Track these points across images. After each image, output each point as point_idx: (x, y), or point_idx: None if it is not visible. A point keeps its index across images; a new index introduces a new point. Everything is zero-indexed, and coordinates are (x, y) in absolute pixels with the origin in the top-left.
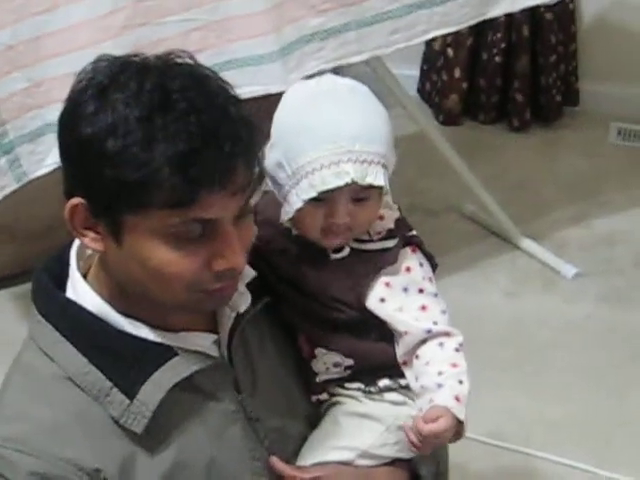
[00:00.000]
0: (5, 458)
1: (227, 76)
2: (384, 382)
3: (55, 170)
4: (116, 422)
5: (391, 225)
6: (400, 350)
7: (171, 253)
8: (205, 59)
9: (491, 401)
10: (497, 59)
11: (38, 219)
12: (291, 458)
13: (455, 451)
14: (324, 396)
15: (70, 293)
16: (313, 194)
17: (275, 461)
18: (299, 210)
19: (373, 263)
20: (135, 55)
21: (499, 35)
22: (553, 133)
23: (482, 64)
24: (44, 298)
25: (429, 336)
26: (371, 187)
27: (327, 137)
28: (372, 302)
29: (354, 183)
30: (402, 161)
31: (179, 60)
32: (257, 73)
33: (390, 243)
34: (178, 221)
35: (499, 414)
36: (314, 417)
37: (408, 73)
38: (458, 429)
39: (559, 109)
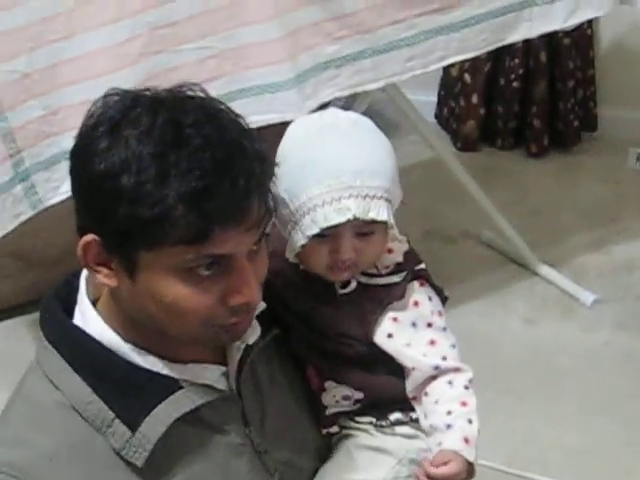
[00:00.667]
0: None
1: (243, 104)
2: (395, 416)
3: (70, 198)
4: (117, 454)
5: (400, 259)
6: (409, 385)
7: (186, 289)
8: (220, 87)
9: (508, 427)
10: (515, 85)
11: (54, 246)
12: None
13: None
14: (334, 429)
15: (78, 320)
16: (316, 230)
17: None
18: (303, 246)
19: (380, 298)
20: (146, 89)
21: (517, 61)
22: (571, 159)
23: (500, 90)
24: (52, 325)
25: (438, 372)
26: (375, 222)
27: (329, 173)
28: (380, 338)
29: (356, 219)
30: (419, 187)
31: (191, 93)
32: (273, 101)
33: (397, 277)
34: (192, 257)
35: (516, 440)
36: (325, 450)
37: (425, 99)
38: (469, 469)
39: (577, 135)
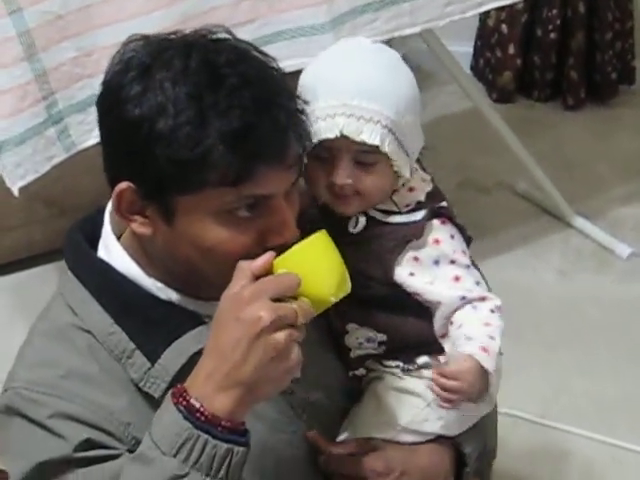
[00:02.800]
0: (32, 400)
1: (277, 47)
2: (423, 359)
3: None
4: (135, 385)
5: (421, 197)
6: (437, 322)
7: (225, 231)
8: (255, 30)
9: (542, 379)
10: (552, 36)
11: (86, 192)
12: (331, 432)
13: (502, 429)
14: (361, 371)
15: (102, 253)
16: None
17: (312, 434)
18: (307, 166)
19: (399, 237)
20: (172, 33)
21: (554, 11)
22: (608, 111)
23: (537, 41)
24: (75, 255)
25: (464, 302)
26: (374, 151)
27: (331, 90)
28: (401, 277)
29: (346, 138)
30: (453, 138)
31: (217, 35)
32: (308, 44)
33: (417, 216)
34: (233, 199)
35: (549, 392)
36: (353, 391)
37: (461, 50)
38: (483, 379)
39: (614, 87)
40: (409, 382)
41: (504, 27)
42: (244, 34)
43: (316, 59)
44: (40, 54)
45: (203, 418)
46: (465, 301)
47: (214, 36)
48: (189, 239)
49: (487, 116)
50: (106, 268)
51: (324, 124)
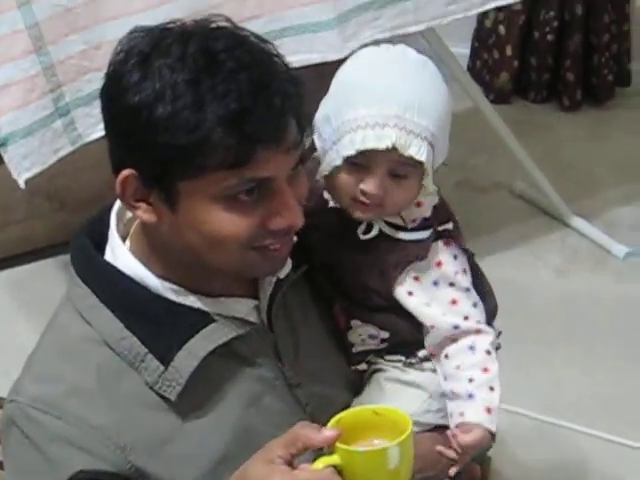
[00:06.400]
0: (32, 419)
1: (284, 43)
2: (424, 352)
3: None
4: (151, 388)
5: (427, 213)
6: (428, 341)
7: (228, 215)
8: (262, 25)
9: (541, 376)
10: (549, 38)
11: (88, 187)
12: None
13: (501, 425)
14: (362, 366)
15: (109, 256)
16: (352, 152)
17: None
18: (337, 169)
19: (403, 255)
20: (172, 22)
21: (552, 13)
22: (604, 113)
23: (534, 42)
24: (83, 261)
25: (457, 333)
26: (412, 165)
27: (380, 97)
28: (400, 294)
29: (394, 150)
30: (451, 138)
31: (217, 24)
32: (314, 40)
33: (422, 235)
34: (234, 182)
35: (550, 389)
36: (356, 384)
37: (458, 51)
38: (491, 437)
39: (611, 89)
40: (411, 374)
41: (501, 28)
42: (250, 30)
43: (355, 61)
44: (48, 47)
45: None
46: (459, 331)
47: (213, 24)
48: (193, 225)
49: (488, 116)
50: (113, 272)
51: (372, 133)
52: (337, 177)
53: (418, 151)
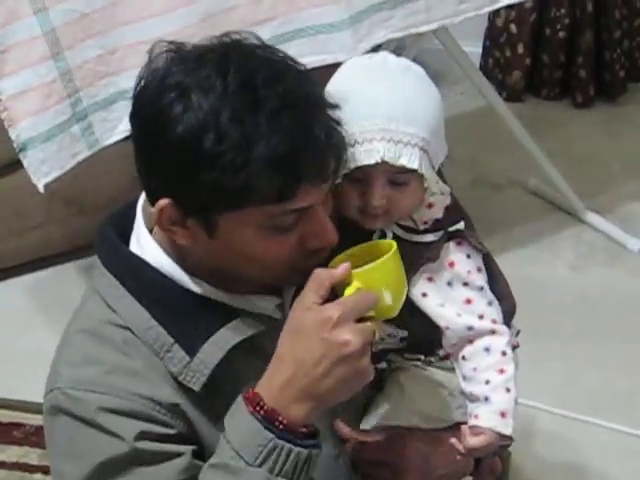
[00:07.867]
0: (78, 399)
1: (297, 44)
2: (443, 351)
3: (121, 143)
4: (175, 379)
5: (439, 215)
6: (444, 342)
7: (267, 241)
8: (276, 28)
9: (556, 370)
10: (561, 35)
11: (105, 192)
12: (355, 421)
13: (520, 419)
14: (382, 365)
15: (134, 247)
16: (346, 170)
17: (338, 423)
18: (339, 185)
19: (415, 257)
20: (202, 46)
21: (563, 11)
22: (617, 109)
23: (545, 40)
24: (108, 250)
25: (472, 334)
26: (409, 171)
27: (364, 113)
28: (414, 296)
29: (385, 163)
30: (465, 137)
31: (248, 42)
32: (327, 41)
33: (434, 236)
34: (276, 213)
35: (564, 383)
36: (376, 381)
37: (470, 50)
38: (505, 439)
39: (623, 85)
40: (431, 372)
41: (513, 27)
42: (264, 32)
43: (341, 75)
44: (65, 52)
45: (282, 427)
46: (474, 332)
47: (246, 45)
48: (231, 249)
49: (502, 114)
50: (140, 263)
51: (361, 149)
52: (341, 193)
53: (409, 160)
